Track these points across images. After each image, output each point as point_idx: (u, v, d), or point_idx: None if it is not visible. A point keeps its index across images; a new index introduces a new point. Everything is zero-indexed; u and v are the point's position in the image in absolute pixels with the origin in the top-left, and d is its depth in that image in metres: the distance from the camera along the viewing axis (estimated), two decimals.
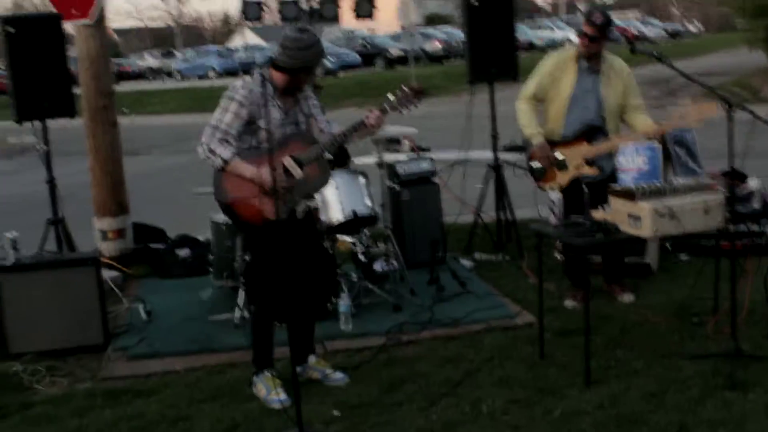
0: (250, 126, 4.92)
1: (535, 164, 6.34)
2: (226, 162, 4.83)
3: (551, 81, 6.32)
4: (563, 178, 6.23)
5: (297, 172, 4.85)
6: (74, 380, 5.58)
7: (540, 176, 6.34)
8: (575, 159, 6.17)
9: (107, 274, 7.17)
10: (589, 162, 6.13)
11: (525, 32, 42.94)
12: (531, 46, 40.60)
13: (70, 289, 6.05)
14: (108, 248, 8.14)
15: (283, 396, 4.92)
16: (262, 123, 4.83)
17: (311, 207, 5.33)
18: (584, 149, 6.15)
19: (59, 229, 7.33)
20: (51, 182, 7.37)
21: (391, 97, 4.85)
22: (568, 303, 6.39)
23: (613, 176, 5.94)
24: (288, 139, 4.93)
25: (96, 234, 8.25)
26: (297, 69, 4.85)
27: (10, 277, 5.99)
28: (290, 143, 4.90)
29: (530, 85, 6.42)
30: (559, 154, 6.22)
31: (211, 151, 4.83)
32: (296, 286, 4.86)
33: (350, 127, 4.92)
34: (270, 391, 5.04)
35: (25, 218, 8.16)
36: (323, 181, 5.04)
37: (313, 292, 5.32)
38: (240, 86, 4.93)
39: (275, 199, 4.72)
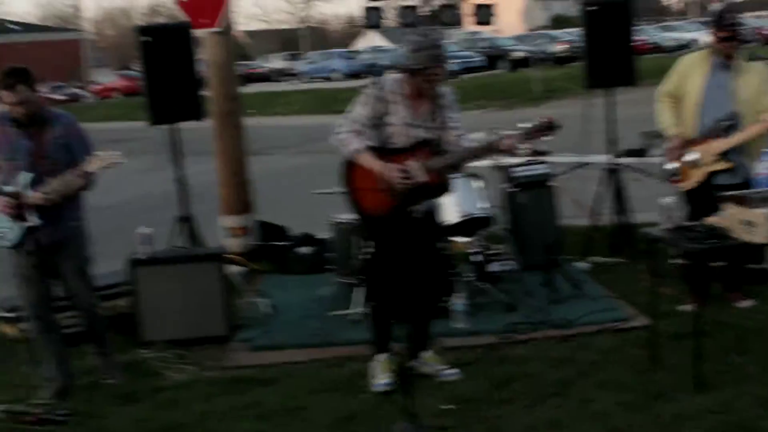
0: (378, 121, 5.16)
1: (670, 165, 6.35)
2: (354, 152, 5.13)
3: (683, 78, 6.34)
4: (697, 175, 6.22)
5: (420, 177, 5.03)
6: (200, 368, 5.92)
7: (675, 176, 6.35)
8: (708, 155, 6.16)
9: (232, 269, 7.51)
10: (723, 156, 6.10)
11: (652, 34, 42.08)
12: (657, 48, 39.74)
13: (198, 282, 6.40)
14: (233, 245, 8.51)
15: (388, 380, 5.16)
16: (390, 119, 5.11)
17: (433, 208, 5.49)
18: (717, 144, 6.12)
19: (188, 226, 7.70)
20: (180, 181, 7.76)
21: (524, 125, 5.00)
22: (684, 308, 6.36)
23: (747, 183, 5.94)
24: (417, 144, 5.12)
25: (222, 231, 8.62)
26: (413, 70, 5.04)
27: (145, 270, 6.39)
28: (419, 149, 5.09)
29: (664, 86, 6.47)
30: (692, 154, 6.21)
31: (343, 141, 5.16)
32: (409, 282, 5.03)
33: (482, 147, 5.12)
34: (379, 375, 5.29)
35: (158, 215, 8.56)
36: (442, 190, 5.21)
37: (427, 290, 5.47)
38: (376, 81, 5.22)
39: (392, 196, 4.94)
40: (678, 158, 6.28)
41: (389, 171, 5.03)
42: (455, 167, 5.28)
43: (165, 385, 5.64)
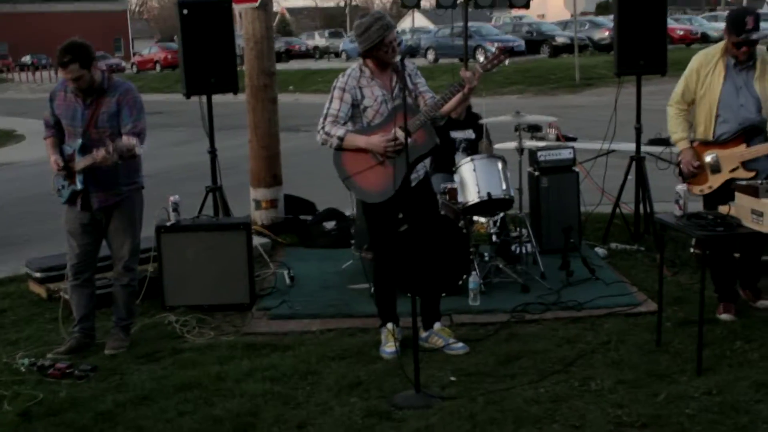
0: (357, 109, 5.47)
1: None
2: (341, 139, 5.38)
3: (698, 80, 6.06)
4: (716, 180, 5.96)
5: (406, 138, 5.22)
6: (219, 333, 6.14)
7: (689, 179, 6.06)
8: (731, 162, 5.89)
9: (257, 240, 7.72)
10: (746, 165, 5.85)
11: (700, 23, 41.59)
12: (705, 38, 39.26)
13: (223, 251, 6.60)
14: (260, 217, 8.72)
15: (394, 349, 5.40)
16: (366, 102, 5.43)
17: (426, 176, 5.70)
18: (742, 151, 5.87)
19: (216, 196, 7.91)
20: (212, 153, 7.96)
21: (481, 59, 5.21)
22: (724, 317, 5.96)
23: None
24: (394, 111, 5.33)
25: (251, 203, 8.83)
26: (369, 49, 5.37)
27: (170, 236, 6.59)
28: (397, 115, 5.26)
29: (677, 89, 6.20)
30: (710, 156, 5.96)
31: (327, 134, 5.41)
32: (419, 255, 5.19)
33: (448, 90, 5.36)
34: (386, 342, 5.53)
35: (190, 185, 8.81)
36: (431, 144, 5.39)
37: (439, 263, 5.61)
38: (340, 76, 5.54)
39: (387, 164, 5.27)
40: (686, 165, 6.04)
41: (376, 142, 5.29)
42: (434, 121, 5.44)
43: (185, 347, 5.86)
